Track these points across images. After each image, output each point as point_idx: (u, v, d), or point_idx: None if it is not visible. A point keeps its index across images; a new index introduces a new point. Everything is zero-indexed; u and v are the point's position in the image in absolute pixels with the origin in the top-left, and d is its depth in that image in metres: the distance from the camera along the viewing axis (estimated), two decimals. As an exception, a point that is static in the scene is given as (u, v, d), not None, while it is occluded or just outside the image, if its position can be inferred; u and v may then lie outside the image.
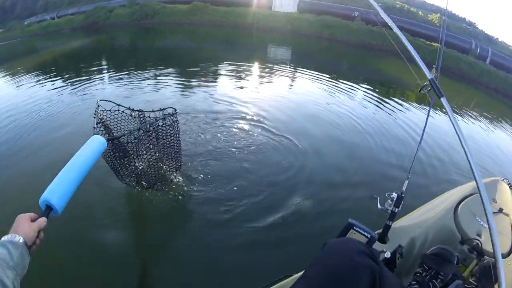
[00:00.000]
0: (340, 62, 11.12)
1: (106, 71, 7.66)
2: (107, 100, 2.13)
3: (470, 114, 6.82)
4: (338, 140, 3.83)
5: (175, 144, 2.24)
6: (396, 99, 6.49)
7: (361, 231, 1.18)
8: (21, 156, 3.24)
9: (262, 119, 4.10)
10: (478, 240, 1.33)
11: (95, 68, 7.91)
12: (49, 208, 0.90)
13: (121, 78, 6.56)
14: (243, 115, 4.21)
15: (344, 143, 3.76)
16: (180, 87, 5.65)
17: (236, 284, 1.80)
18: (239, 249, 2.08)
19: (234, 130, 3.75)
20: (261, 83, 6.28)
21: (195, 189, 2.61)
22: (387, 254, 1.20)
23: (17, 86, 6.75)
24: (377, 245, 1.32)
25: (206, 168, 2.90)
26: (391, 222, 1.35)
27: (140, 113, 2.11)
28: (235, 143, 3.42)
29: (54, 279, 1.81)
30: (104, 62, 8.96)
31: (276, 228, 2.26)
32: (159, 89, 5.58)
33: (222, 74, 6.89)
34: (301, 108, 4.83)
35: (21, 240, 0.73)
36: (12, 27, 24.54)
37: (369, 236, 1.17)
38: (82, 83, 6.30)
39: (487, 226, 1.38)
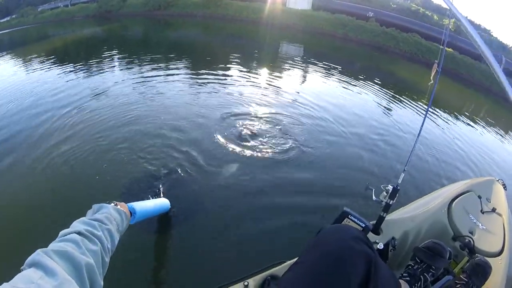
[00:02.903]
0: (353, 61, 11.07)
1: (116, 60, 7.62)
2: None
3: (478, 120, 6.83)
4: (337, 132, 3.83)
5: None
6: (401, 99, 6.49)
7: (356, 220, 1.18)
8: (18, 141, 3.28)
9: (268, 112, 4.10)
10: (470, 237, 1.34)
11: (105, 56, 7.91)
12: (130, 213, 1.16)
13: (131, 68, 6.53)
14: (249, 109, 4.18)
15: (343, 135, 3.76)
16: (189, 80, 5.61)
17: (228, 270, 1.75)
18: (230, 236, 2.07)
19: (233, 121, 3.74)
20: (271, 79, 6.18)
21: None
22: (380, 246, 1.20)
23: (26, 70, 6.81)
24: (370, 236, 1.31)
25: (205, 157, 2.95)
26: (385, 214, 1.34)
27: None
28: (235, 133, 3.44)
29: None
30: (114, 51, 8.96)
31: (269, 215, 2.25)
32: (168, 80, 5.53)
33: (233, 69, 6.77)
34: (307, 102, 4.81)
35: (128, 217, 0.92)
36: (26, 13, 24.78)
37: (363, 225, 1.17)
38: (89, 70, 6.30)
39: (479, 224, 1.49)
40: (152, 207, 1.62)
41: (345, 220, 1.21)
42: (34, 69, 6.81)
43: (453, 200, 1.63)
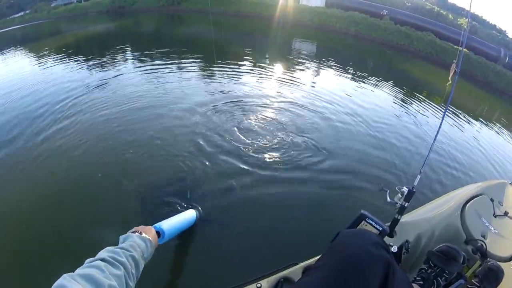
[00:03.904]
0: (365, 59, 10.99)
1: (129, 56, 7.69)
2: None
3: (492, 122, 6.76)
4: (353, 132, 3.78)
5: None
6: (416, 99, 6.43)
7: (373, 223, 1.17)
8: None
9: (281, 111, 4.07)
10: (482, 241, 1.32)
11: (118, 52, 7.98)
12: (158, 233, 1.20)
13: (143, 63, 6.56)
14: (261, 107, 4.16)
15: (359, 136, 3.72)
16: (203, 77, 5.62)
17: (241, 271, 1.73)
18: (243, 237, 2.03)
19: (246, 119, 3.75)
20: (283, 76, 6.14)
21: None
22: (394, 248, 1.20)
23: (38, 65, 6.93)
24: (385, 239, 1.28)
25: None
26: (400, 216, 1.33)
27: None
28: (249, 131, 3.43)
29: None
30: (127, 47, 9.04)
31: (283, 216, 2.23)
32: (181, 76, 5.56)
33: (246, 66, 6.78)
34: (321, 101, 4.76)
35: (153, 243, 0.94)
36: (39, 9, 25.17)
37: (380, 229, 1.16)
38: (102, 66, 6.35)
39: (492, 228, 1.47)
40: (181, 222, 1.63)
41: (362, 223, 1.20)
42: (46, 64, 6.92)
43: (466, 202, 1.62)
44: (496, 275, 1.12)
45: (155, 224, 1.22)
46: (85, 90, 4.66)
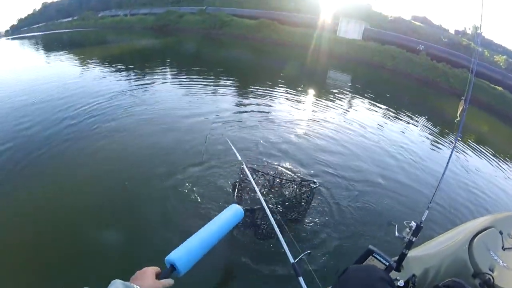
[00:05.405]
0: (400, 95, 11.14)
1: (169, 72, 8.24)
2: (250, 167, 2.47)
3: None
4: (364, 163, 3.90)
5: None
6: (444, 135, 6.51)
7: (380, 258, 1.20)
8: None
9: (299, 139, 4.30)
10: (490, 274, 1.32)
11: (159, 68, 8.61)
12: (172, 267, 0.89)
13: (182, 81, 7.05)
14: (290, 131, 4.52)
15: (370, 167, 3.83)
16: (237, 100, 5.99)
17: None
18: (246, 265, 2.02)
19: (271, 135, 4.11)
20: (316, 107, 6.44)
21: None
22: (401, 283, 1.19)
23: (83, 70, 7.57)
24: (391, 273, 1.31)
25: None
26: (407, 250, 1.33)
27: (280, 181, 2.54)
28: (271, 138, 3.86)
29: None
30: (168, 64, 9.67)
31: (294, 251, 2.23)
32: (217, 99, 5.96)
33: (280, 93, 7.11)
34: (341, 133, 4.97)
35: None
36: (87, 17, 27.22)
37: (387, 264, 1.19)
38: (144, 81, 6.79)
39: (500, 261, 1.46)
40: (210, 232, 1.08)
41: (369, 258, 1.24)
42: (91, 71, 7.56)
43: (474, 236, 1.62)
44: None
45: (169, 257, 0.89)
46: (129, 99, 5.10)
